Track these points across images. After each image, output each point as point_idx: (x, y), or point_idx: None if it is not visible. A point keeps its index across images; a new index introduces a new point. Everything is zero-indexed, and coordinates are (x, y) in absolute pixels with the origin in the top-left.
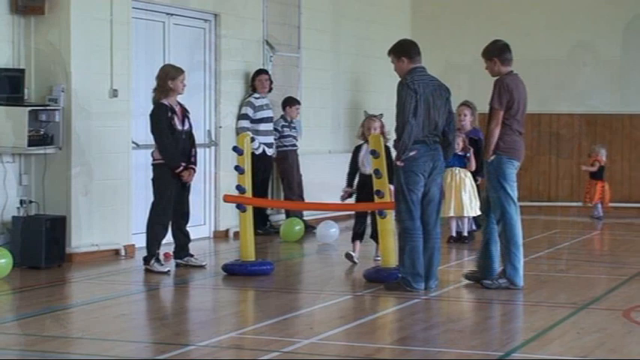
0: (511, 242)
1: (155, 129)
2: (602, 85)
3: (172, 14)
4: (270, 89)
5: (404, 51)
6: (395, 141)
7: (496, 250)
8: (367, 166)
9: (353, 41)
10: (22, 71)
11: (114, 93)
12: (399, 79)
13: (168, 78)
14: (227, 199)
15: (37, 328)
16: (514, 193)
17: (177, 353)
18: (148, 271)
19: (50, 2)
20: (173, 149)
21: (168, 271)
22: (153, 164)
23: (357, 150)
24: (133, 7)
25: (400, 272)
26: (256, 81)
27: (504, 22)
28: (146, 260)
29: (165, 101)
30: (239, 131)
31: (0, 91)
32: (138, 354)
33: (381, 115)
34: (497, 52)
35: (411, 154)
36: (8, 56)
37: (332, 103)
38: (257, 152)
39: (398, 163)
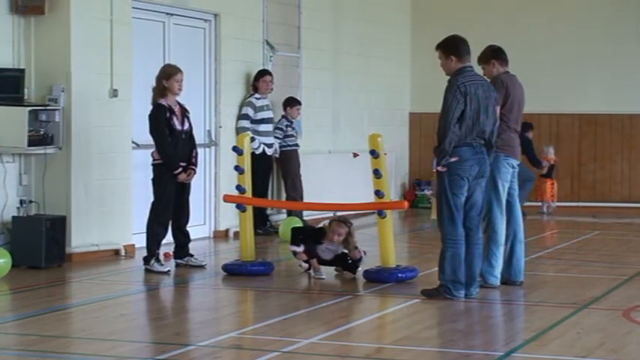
0: (492, 240)
1: (154, 130)
2: (602, 85)
3: (172, 14)
4: (271, 90)
5: (453, 49)
6: (435, 147)
7: (521, 249)
8: (326, 254)
9: (353, 41)
10: (22, 71)
11: (114, 93)
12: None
13: (163, 78)
14: (227, 199)
15: (37, 328)
16: (504, 193)
17: (177, 353)
18: (148, 271)
19: (50, 2)
20: (172, 151)
21: (168, 271)
22: (153, 164)
23: (317, 241)
24: (133, 7)
25: (440, 279)
26: (260, 82)
27: (504, 22)
28: (146, 260)
29: (163, 102)
30: (239, 131)
31: (0, 91)
32: (138, 354)
33: (350, 224)
34: (494, 55)
35: (452, 159)
36: (8, 56)
37: (332, 103)
38: (257, 152)
39: (439, 168)
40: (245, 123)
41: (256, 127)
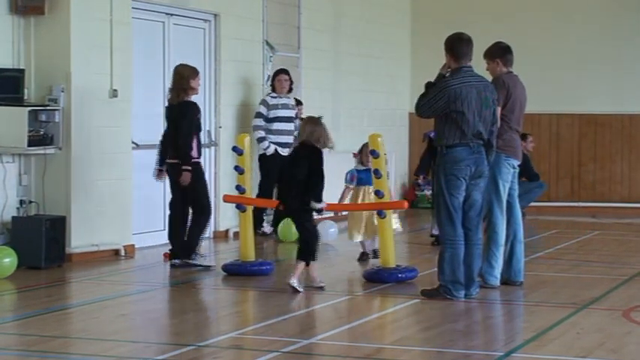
0: (492, 240)
1: (186, 126)
2: (602, 85)
3: (172, 14)
4: (290, 89)
5: (449, 48)
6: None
7: (521, 249)
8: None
9: (353, 41)
10: (22, 71)
11: (114, 93)
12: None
13: (190, 78)
14: (227, 199)
15: (37, 328)
16: (505, 193)
17: (177, 353)
18: (186, 265)
19: (50, 2)
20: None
21: (210, 266)
22: (191, 162)
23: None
24: (133, 7)
25: (440, 280)
26: (275, 81)
27: (504, 22)
28: (187, 255)
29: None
30: (253, 129)
31: (0, 91)
32: (138, 354)
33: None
34: (500, 54)
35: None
36: (8, 56)
37: (332, 103)
38: (268, 152)
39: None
40: (258, 121)
41: (269, 126)
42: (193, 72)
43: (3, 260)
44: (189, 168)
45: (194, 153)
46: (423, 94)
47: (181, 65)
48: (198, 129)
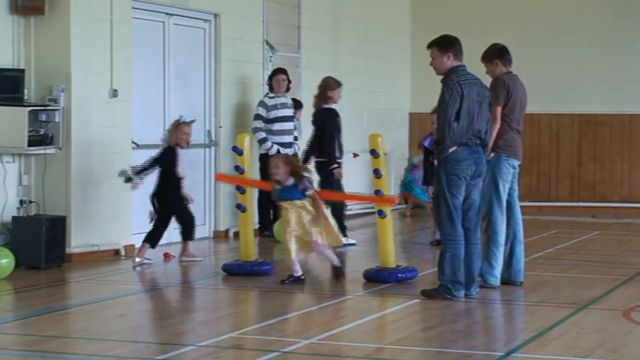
0: (492, 240)
1: (328, 130)
2: (602, 85)
3: (172, 14)
4: (288, 89)
5: (450, 47)
6: (435, 142)
7: (521, 249)
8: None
9: (353, 41)
10: (22, 71)
11: (114, 93)
12: (391, 77)
13: (329, 88)
14: (219, 178)
15: (37, 328)
16: (505, 193)
17: (177, 353)
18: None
19: (50, 2)
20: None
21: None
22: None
23: (170, 152)
24: (133, 7)
25: (440, 280)
26: (273, 80)
27: (504, 22)
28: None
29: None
30: (253, 131)
31: (0, 91)
32: (138, 354)
33: (193, 120)
34: (498, 55)
35: (452, 149)
36: (8, 56)
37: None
38: (270, 152)
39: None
40: (257, 123)
41: (270, 127)
42: (336, 84)
43: (0, 261)
44: (335, 166)
45: (337, 153)
46: (442, 119)
47: (327, 77)
48: (339, 132)
